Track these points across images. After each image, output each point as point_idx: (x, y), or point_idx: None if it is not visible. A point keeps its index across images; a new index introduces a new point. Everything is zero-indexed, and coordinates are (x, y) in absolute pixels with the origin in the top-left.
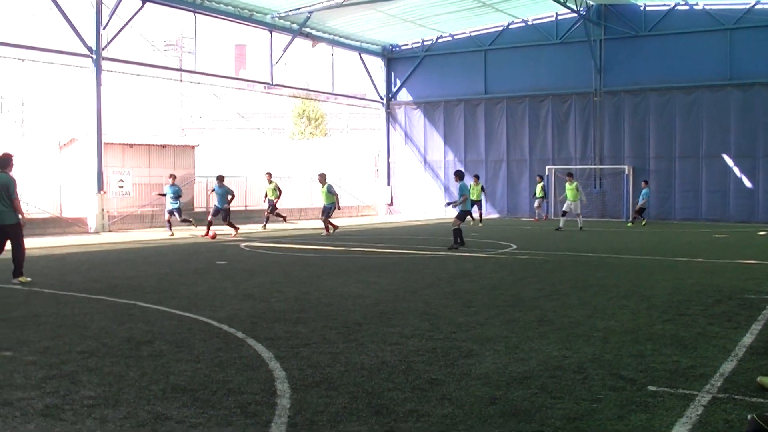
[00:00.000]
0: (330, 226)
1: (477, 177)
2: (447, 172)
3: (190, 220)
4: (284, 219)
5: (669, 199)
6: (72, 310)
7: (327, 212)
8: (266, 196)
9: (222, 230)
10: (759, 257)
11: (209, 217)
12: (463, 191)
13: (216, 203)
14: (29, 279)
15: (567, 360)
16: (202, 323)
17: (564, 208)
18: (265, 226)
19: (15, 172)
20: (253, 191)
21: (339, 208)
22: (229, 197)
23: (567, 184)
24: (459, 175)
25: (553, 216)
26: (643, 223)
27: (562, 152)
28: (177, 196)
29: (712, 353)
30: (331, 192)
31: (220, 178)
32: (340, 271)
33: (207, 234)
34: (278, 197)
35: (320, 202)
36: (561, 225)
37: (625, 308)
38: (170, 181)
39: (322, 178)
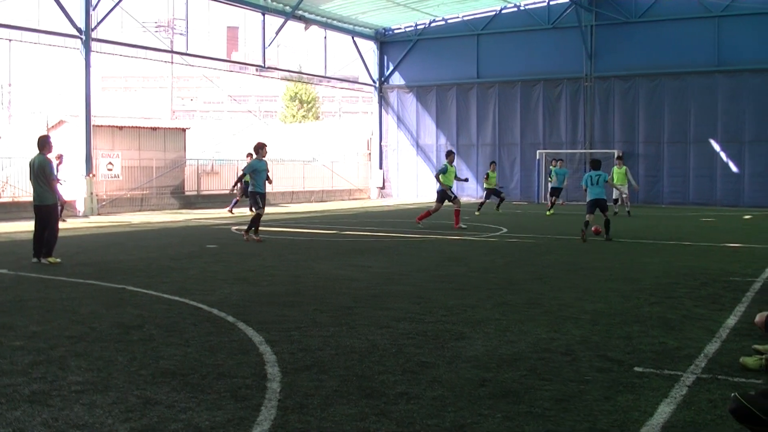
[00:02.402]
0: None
1: (493, 163)
2: (439, 155)
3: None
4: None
5: (657, 183)
6: (60, 294)
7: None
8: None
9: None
10: (744, 240)
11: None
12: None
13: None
14: (59, 260)
15: (556, 342)
16: (192, 307)
17: (614, 195)
18: (231, 210)
19: (2, 154)
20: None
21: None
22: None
23: (616, 168)
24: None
25: (543, 200)
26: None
27: (552, 137)
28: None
29: (698, 335)
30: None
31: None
32: (332, 254)
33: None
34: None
35: (312, 184)
36: (617, 210)
37: (614, 291)
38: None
39: (451, 156)
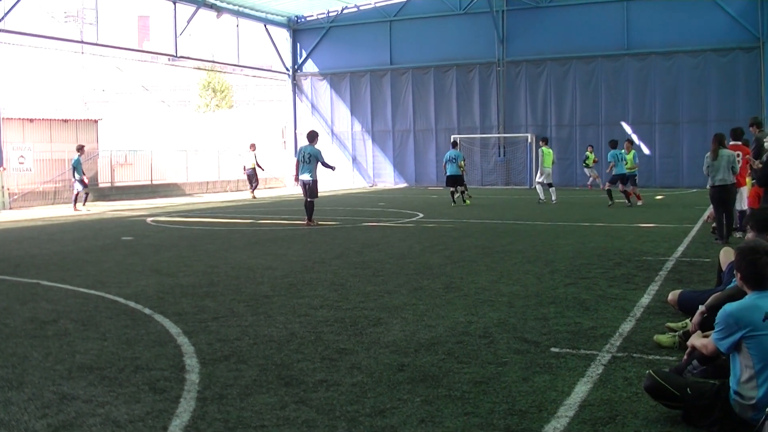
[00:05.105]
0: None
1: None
2: (354, 143)
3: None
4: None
5: (570, 166)
6: None
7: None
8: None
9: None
10: (656, 221)
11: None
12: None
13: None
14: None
15: (473, 325)
16: (108, 300)
17: (544, 179)
18: (254, 195)
19: None
20: (158, 165)
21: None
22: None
23: (544, 148)
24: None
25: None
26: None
27: (466, 121)
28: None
29: (612, 314)
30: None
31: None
32: (248, 243)
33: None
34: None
35: (227, 174)
36: (542, 197)
37: (530, 273)
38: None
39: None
